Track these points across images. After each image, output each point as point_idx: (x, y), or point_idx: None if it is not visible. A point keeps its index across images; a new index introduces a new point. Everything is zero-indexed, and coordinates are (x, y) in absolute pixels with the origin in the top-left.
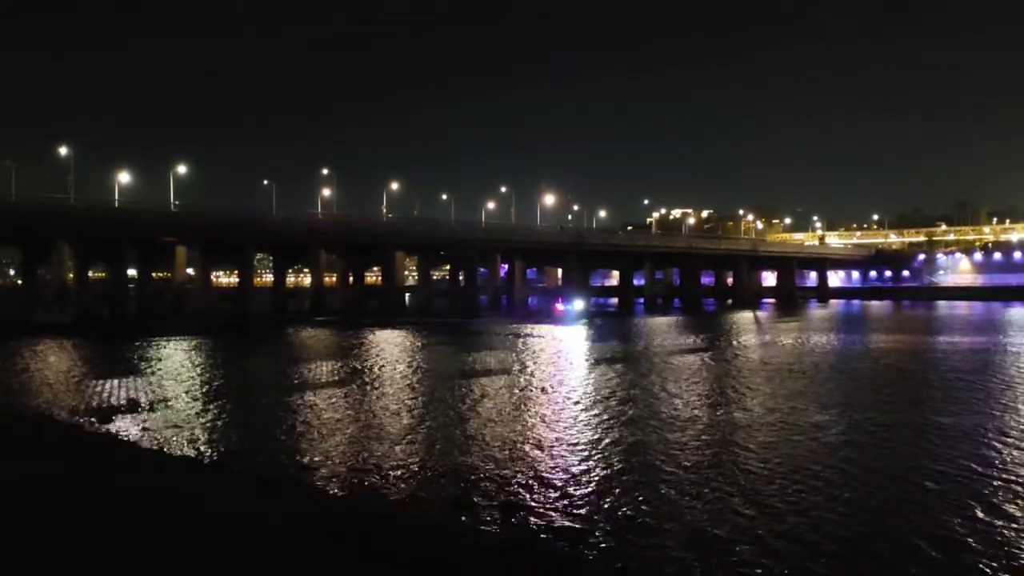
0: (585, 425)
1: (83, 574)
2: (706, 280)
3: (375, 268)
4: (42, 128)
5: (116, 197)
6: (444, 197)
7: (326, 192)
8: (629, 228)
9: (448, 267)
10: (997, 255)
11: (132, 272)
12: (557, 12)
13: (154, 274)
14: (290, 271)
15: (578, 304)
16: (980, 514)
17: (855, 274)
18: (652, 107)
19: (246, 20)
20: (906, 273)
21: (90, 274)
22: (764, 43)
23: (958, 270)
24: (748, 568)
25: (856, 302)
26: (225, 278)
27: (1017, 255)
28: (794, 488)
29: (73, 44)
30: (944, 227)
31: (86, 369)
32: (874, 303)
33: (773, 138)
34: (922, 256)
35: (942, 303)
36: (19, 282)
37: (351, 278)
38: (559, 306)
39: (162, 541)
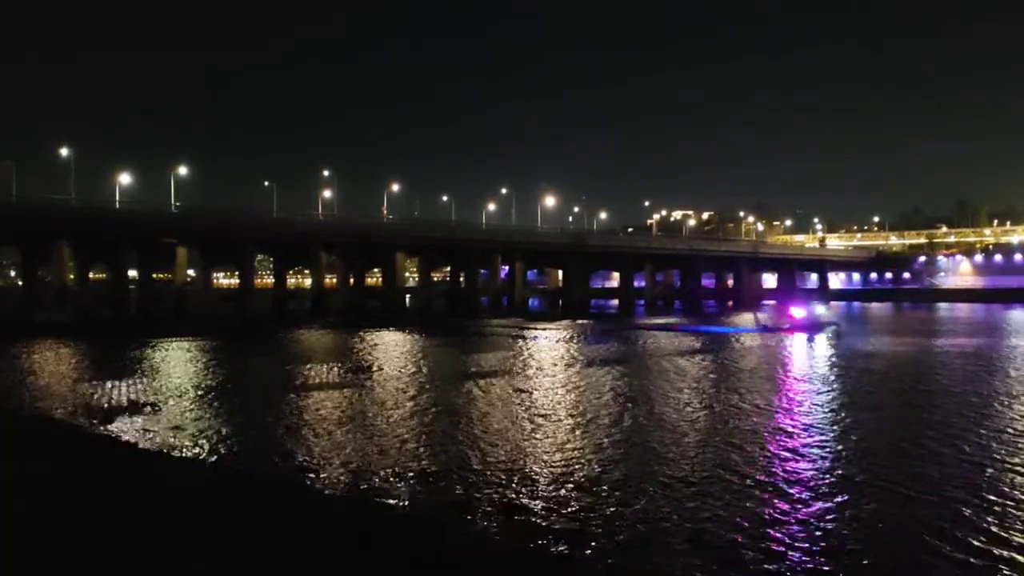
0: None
1: (83, 574)
2: (707, 282)
3: (375, 269)
4: (45, 129)
5: (117, 198)
6: (444, 198)
7: (327, 193)
8: (629, 230)
9: (448, 268)
10: (998, 257)
11: (133, 273)
12: (555, 13)
13: (155, 275)
14: (291, 272)
15: (818, 309)
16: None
17: (856, 276)
18: (652, 108)
19: (248, 22)
20: (907, 275)
21: (90, 275)
22: (762, 44)
23: (959, 272)
24: (748, 567)
25: (856, 304)
26: (226, 279)
27: (1018, 257)
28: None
29: (76, 45)
30: (945, 229)
31: (87, 370)
32: (874, 305)
33: (773, 140)
34: (923, 258)
35: (943, 305)
36: (20, 283)
37: (352, 279)
38: (795, 311)
39: (162, 541)
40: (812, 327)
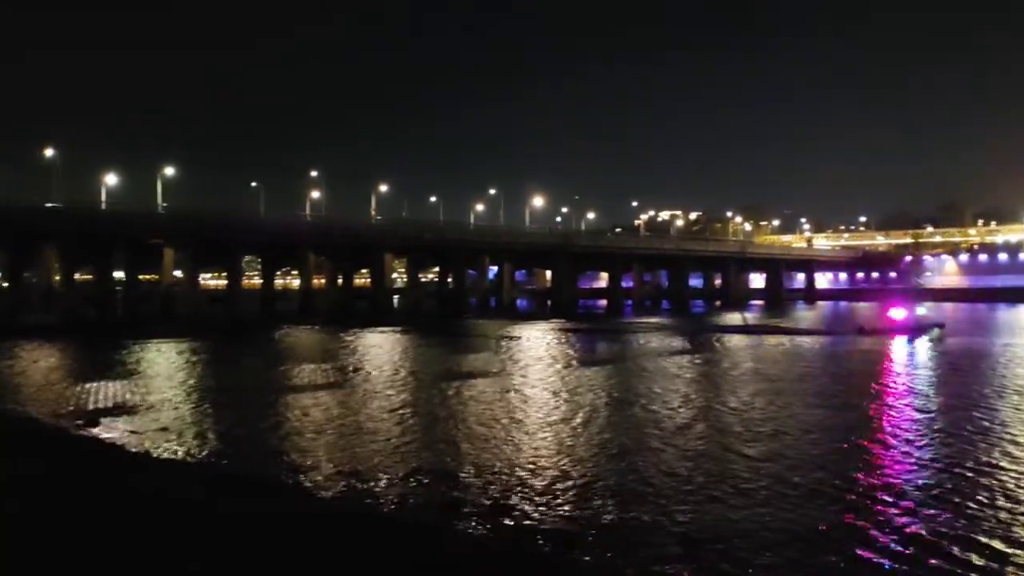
0: None
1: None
2: (694, 282)
3: (364, 270)
4: (44, 129)
5: (103, 199)
6: (433, 199)
7: (315, 194)
8: (618, 230)
9: (437, 269)
10: (983, 257)
11: (119, 274)
12: (555, 13)
13: (141, 276)
14: (279, 273)
15: (919, 309)
16: None
17: (842, 275)
18: (642, 107)
19: (248, 22)
20: (893, 275)
21: (76, 276)
22: (761, 44)
23: (944, 272)
24: (743, 567)
25: (843, 303)
26: (213, 280)
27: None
28: None
29: (76, 45)
30: (930, 229)
31: (72, 371)
32: (861, 304)
33: (763, 140)
34: (909, 258)
35: (929, 304)
36: (4, 285)
37: (340, 280)
38: (894, 312)
39: (157, 542)
40: (914, 329)
